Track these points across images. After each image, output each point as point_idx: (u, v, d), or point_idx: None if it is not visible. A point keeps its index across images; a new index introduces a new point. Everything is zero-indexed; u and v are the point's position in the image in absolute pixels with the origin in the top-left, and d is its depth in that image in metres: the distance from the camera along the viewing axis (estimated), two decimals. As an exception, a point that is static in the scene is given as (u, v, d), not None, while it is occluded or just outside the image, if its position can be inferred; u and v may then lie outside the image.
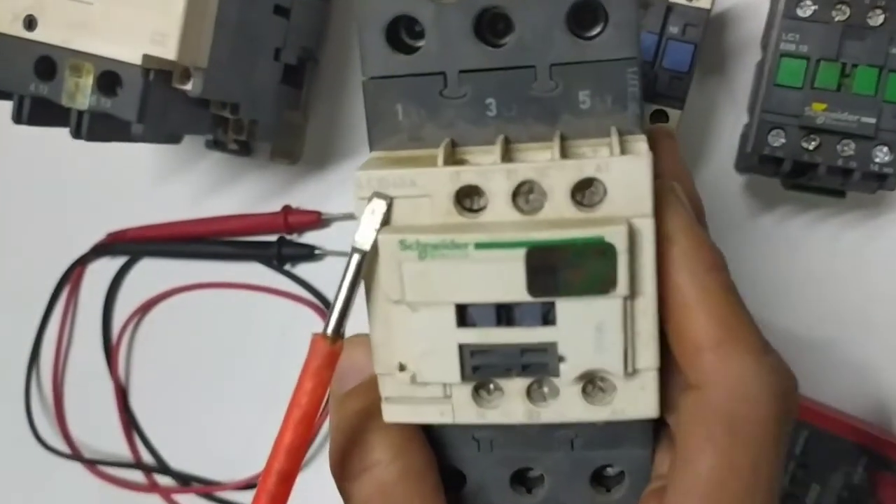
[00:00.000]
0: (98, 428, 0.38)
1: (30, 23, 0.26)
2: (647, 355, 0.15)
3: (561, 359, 0.15)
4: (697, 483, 0.15)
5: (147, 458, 0.38)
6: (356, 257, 0.15)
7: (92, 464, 0.38)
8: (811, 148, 0.27)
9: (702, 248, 0.15)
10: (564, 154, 0.15)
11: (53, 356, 0.38)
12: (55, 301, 0.38)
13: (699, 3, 0.27)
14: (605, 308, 0.15)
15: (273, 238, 0.35)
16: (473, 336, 0.15)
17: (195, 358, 0.37)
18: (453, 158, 0.16)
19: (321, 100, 0.34)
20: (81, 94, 0.26)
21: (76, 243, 0.37)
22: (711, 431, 0.15)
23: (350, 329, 0.16)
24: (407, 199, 0.15)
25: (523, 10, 0.15)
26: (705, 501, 0.14)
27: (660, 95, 0.27)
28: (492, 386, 0.16)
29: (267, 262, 0.35)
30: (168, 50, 0.25)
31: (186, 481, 0.37)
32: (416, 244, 0.15)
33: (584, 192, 0.15)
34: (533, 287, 0.14)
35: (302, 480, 0.16)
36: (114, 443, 0.38)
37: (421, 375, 0.16)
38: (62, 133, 0.27)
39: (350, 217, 0.34)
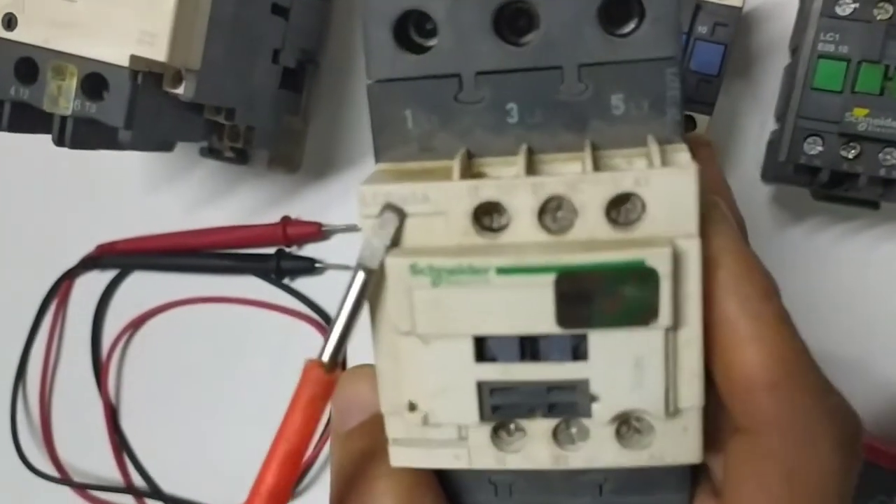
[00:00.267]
0: (87, 450, 0.37)
1: (9, 22, 0.25)
2: (691, 393, 0.13)
3: (593, 398, 0.13)
4: None
5: (138, 481, 0.37)
6: (361, 276, 0.13)
7: (81, 488, 0.37)
8: (851, 157, 0.25)
9: (752, 271, 0.14)
10: (597, 166, 0.13)
11: (40, 374, 0.37)
12: (42, 316, 0.37)
13: (730, 0, 0.25)
14: (645, 341, 0.13)
15: (271, 251, 0.34)
16: (494, 372, 0.14)
17: (189, 376, 0.36)
18: (470, 171, 0.14)
19: (322, 105, 0.34)
20: (64, 98, 0.25)
21: (64, 256, 0.36)
22: (766, 482, 0.13)
23: (354, 356, 0.15)
24: (418, 218, 0.14)
25: (549, 3, 0.13)
26: None
27: (687, 100, 0.25)
28: (513, 426, 0.14)
29: (264, 275, 0.34)
30: (158, 50, 0.24)
31: (179, 506, 0.36)
32: (428, 269, 0.13)
33: (620, 209, 0.13)
34: (563, 317, 0.13)
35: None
36: (103, 465, 0.37)
37: (434, 416, 0.14)
38: (45, 140, 0.26)
39: (353, 228, 0.33)
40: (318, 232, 0.34)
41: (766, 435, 0.13)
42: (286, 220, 0.34)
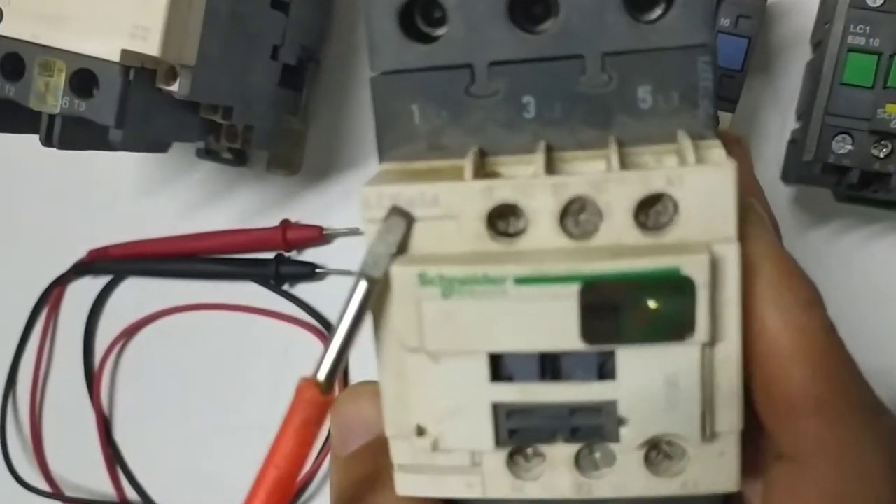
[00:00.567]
0: (79, 463, 0.36)
1: (-6, 15, 0.24)
2: (729, 415, 0.12)
3: (622, 421, 0.12)
4: None
5: (132, 496, 0.36)
6: (363, 286, 0.12)
7: (73, 503, 0.36)
8: (882, 155, 0.24)
9: (793, 279, 0.12)
10: (623, 164, 0.12)
11: (30, 385, 0.37)
12: (32, 325, 0.36)
13: (754, -9, 0.24)
14: (680, 358, 0.12)
15: (270, 255, 0.34)
16: (511, 393, 0.12)
17: (184, 387, 0.35)
18: (483, 170, 0.13)
19: (323, 104, 0.33)
20: (52, 95, 0.24)
21: (55, 262, 0.36)
22: None
23: (358, 370, 0.13)
24: (427, 222, 0.12)
25: None
26: None
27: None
28: (530, 451, 0.13)
29: (264, 281, 0.34)
30: (150, 45, 0.23)
31: (174, 522, 0.35)
32: (439, 278, 0.12)
33: (649, 211, 0.12)
34: (588, 332, 0.12)
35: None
36: (96, 479, 0.36)
37: (444, 441, 0.13)
38: (33, 140, 0.25)
39: (355, 232, 0.33)
40: (319, 236, 0.33)
41: (813, 462, 0.12)
42: (286, 224, 0.33)
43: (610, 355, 0.12)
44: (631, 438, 0.12)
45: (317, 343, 0.33)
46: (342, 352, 0.12)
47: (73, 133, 0.25)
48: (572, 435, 0.13)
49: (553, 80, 0.13)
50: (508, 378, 0.12)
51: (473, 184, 0.12)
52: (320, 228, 0.33)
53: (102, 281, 0.36)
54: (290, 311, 0.34)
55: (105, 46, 0.23)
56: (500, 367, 0.12)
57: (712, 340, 0.12)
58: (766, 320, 0.12)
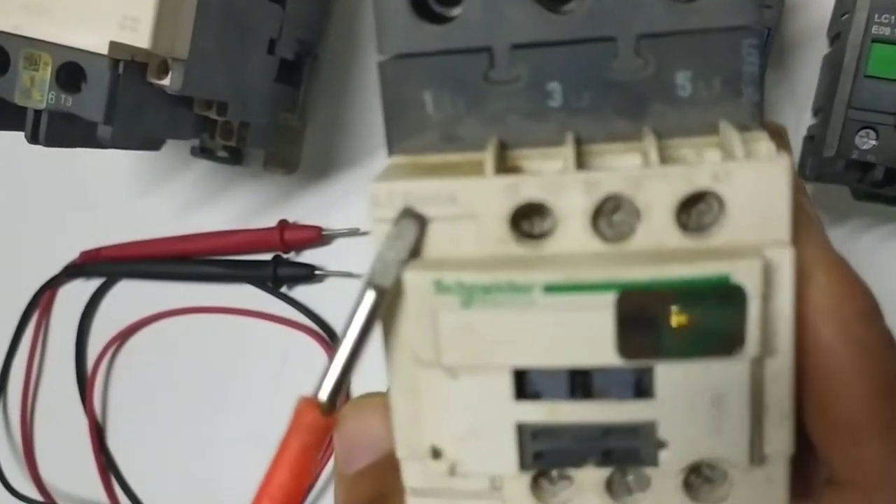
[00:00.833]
0: (72, 471, 0.36)
1: (-26, 6, 0.24)
2: (779, 437, 0.11)
3: (661, 444, 0.11)
4: None
5: None
6: (370, 297, 0.11)
7: None
8: None
9: (850, 286, 0.11)
10: (662, 158, 0.11)
11: (21, 390, 0.36)
12: (23, 329, 0.36)
13: (776, -20, 0.23)
14: (727, 374, 0.11)
15: (268, 257, 0.33)
16: (537, 412, 0.11)
17: (179, 392, 0.35)
18: (505, 165, 0.12)
19: (321, 100, 0.32)
20: (38, 90, 0.24)
21: (45, 264, 0.35)
22: None
23: (360, 376, 0.12)
24: (443, 223, 0.11)
25: None
26: None
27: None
28: (555, 473, 0.12)
29: (261, 283, 0.33)
30: (140, 37, 0.23)
31: (170, 532, 0.35)
32: (457, 286, 0.11)
33: (690, 210, 0.11)
34: (625, 346, 0.11)
35: None
36: (89, 487, 0.35)
37: (463, 465, 0.12)
38: (19, 137, 0.25)
39: (355, 233, 0.32)
40: (318, 236, 0.32)
41: (876, 492, 0.11)
42: (283, 224, 0.33)
43: (648, 371, 0.11)
44: (671, 463, 0.11)
45: (316, 347, 0.33)
46: (346, 369, 0.11)
47: (60, 130, 0.25)
48: (605, 458, 0.12)
49: (581, 65, 0.12)
50: (534, 396, 0.11)
51: (496, 180, 0.11)
52: (319, 229, 0.32)
53: (95, 283, 0.35)
54: (288, 314, 0.33)
55: (93, 38, 0.22)
56: (525, 384, 0.11)
57: (763, 355, 0.11)
58: (820, 333, 0.11)
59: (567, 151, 0.11)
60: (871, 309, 0.11)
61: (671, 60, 0.12)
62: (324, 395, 0.11)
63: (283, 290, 0.33)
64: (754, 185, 0.11)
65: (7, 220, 0.36)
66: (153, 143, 0.30)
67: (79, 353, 0.35)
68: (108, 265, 0.34)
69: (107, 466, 0.35)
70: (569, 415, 0.11)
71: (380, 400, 0.13)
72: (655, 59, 0.12)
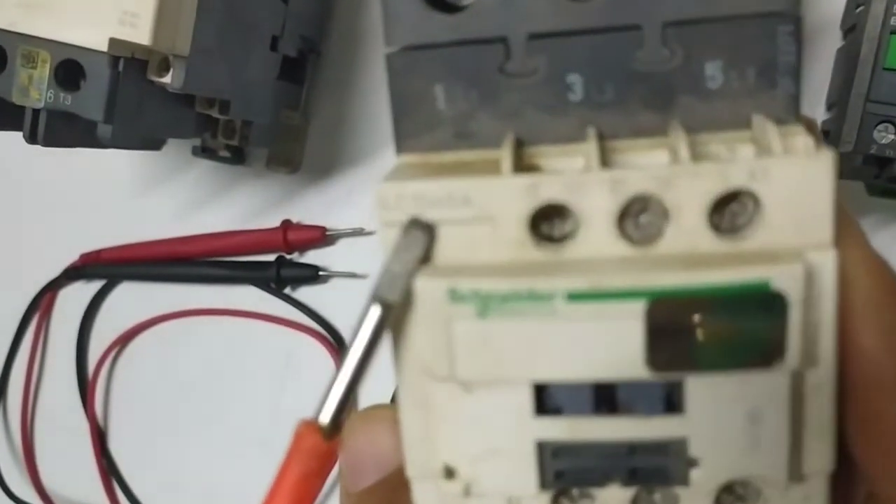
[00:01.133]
0: (73, 476, 0.35)
1: (-31, 3, 0.24)
2: (820, 454, 0.11)
3: (692, 462, 0.10)
4: None
5: None
6: (376, 312, 0.10)
7: None
8: None
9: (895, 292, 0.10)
10: (693, 154, 0.10)
11: (22, 394, 0.36)
12: (23, 333, 0.36)
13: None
14: (765, 387, 0.10)
15: (271, 258, 0.33)
16: (559, 429, 0.11)
17: (182, 396, 0.34)
18: (522, 163, 0.11)
19: (325, 98, 0.32)
20: (36, 88, 0.23)
21: (45, 266, 0.35)
22: None
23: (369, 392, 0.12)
24: (457, 226, 0.10)
25: None
26: None
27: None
28: (576, 492, 0.11)
29: (264, 285, 0.33)
30: (140, 33, 0.22)
31: (173, 537, 0.35)
32: (473, 294, 0.10)
33: (723, 210, 0.10)
34: (655, 358, 0.10)
35: None
36: (90, 493, 0.35)
37: (479, 485, 0.11)
38: (18, 138, 0.25)
39: (359, 233, 0.32)
40: (322, 237, 0.32)
41: None
42: (287, 225, 0.33)
43: (678, 385, 0.10)
44: (703, 482, 0.10)
45: (320, 349, 0.33)
46: (350, 389, 0.10)
47: (59, 129, 0.25)
48: (631, 477, 0.11)
49: (604, 55, 0.11)
50: (556, 411, 0.11)
51: (514, 180, 0.10)
52: (323, 229, 0.32)
53: (96, 286, 0.35)
54: (293, 315, 0.33)
55: (92, 35, 0.22)
56: (545, 399, 0.10)
57: (803, 366, 0.10)
58: (863, 343, 0.10)
59: (589, 148, 0.11)
60: None
61: (700, 49, 0.11)
62: (325, 417, 0.10)
63: (287, 291, 0.33)
64: (794, 182, 0.10)
65: (6, 222, 0.36)
66: (154, 143, 0.30)
67: (80, 357, 0.35)
68: (108, 267, 0.34)
69: (108, 471, 0.35)
70: (592, 431, 0.10)
71: (389, 412, 0.12)
72: (683, 48, 0.11)
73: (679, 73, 0.11)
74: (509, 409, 0.10)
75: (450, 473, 0.11)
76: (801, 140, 0.10)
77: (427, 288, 0.10)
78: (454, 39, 0.11)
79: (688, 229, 0.10)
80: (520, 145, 0.11)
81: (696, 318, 0.10)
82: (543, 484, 0.11)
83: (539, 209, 0.10)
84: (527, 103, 0.11)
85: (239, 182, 0.33)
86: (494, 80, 0.11)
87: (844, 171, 0.25)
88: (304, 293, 0.33)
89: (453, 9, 0.11)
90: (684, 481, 0.11)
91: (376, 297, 0.10)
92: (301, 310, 0.32)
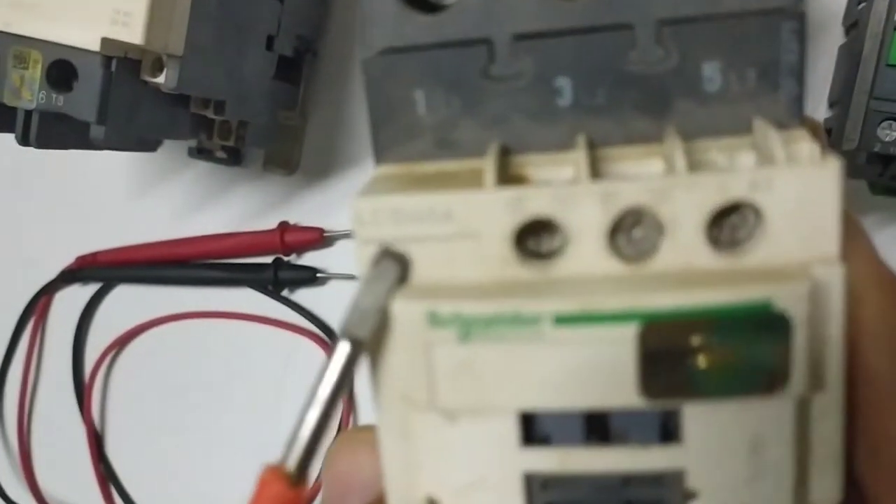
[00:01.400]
0: (70, 480, 0.35)
1: (-40, 3, 0.24)
2: (827, 484, 0.10)
3: (690, 495, 0.10)
4: None
5: None
6: (344, 349, 0.10)
7: None
8: None
9: None
10: (690, 163, 0.10)
11: (18, 399, 0.36)
12: (19, 336, 0.35)
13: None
14: (768, 415, 0.09)
15: (268, 260, 0.33)
16: (547, 460, 0.10)
17: (179, 399, 0.34)
18: (508, 174, 0.10)
19: (322, 98, 0.32)
20: (28, 89, 0.23)
21: (41, 269, 0.35)
22: None
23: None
24: (437, 243, 0.10)
25: None
26: None
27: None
28: None
29: (261, 287, 0.33)
30: (133, 32, 0.22)
31: (171, 543, 0.35)
32: (454, 318, 0.09)
33: (722, 223, 0.10)
34: (649, 385, 0.09)
35: None
36: (88, 497, 0.35)
37: None
38: (9, 139, 0.25)
39: None
40: (320, 238, 0.32)
41: None
42: (284, 226, 0.32)
43: (675, 413, 0.10)
44: None
45: (318, 351, 0.32)
46: (318, 432, 0.10)
47: (51, 130, 0.24)
48: None
49: (594, 57, 0.10)
50: (544, 441, 0.10)
51: (497, 193, 0.10)
52: (321, 230, 0.32)
53: (92, 289, 0.35)
54: (290, 318, 0.32)
55: (84, 34, 0.22)
56: (533, 428, 0.10)
57: (809, 392, 0.09)
58: (874, 364, 0.10)
59: (579, 157, 0.10)
60: None
61: (697, 50, 0.10)
62: (292, 462, 0.10)
63: (285, 293, 0.33)
64: (798, 193, 0.09)
65: (1, 226, 0.36)
66: (149, 144, 0.30)
67: (76, 360, 0.35)
68: (104, 270, 0.34)
69: (106, 475, 0.35)
70: (583, 463, 0.10)
71: (372, 436, 0.11)
72: (679, 48, 0.10)
73: (674, 76, 0.10)
74: (494, 439, 0.10)
75: (432, 505, 0.10)
76: (806, 147, 0.10)
77: (405, 311, 0.10)
78: (435, 41, 0.10)
79: (684, 244, 0.09)
80: (505, 154, 0.11)
81: (694, 341, 0.09)
82: None
83: (525, 224, 0.10)
84: (512, 109, 0.11)
85: (236, 183, 0.33)
86: (478, 85, 0.10)
87: (847, 170, 0.24)
88: (302, 295, 0.33)
89: (434, 8, 0.11)
90: None
91: (345, 334, 0.10)
92: (299, 312, 0.32)
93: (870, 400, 0.10)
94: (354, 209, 0.10)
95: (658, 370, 0.09)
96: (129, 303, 0.34)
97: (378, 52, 0.11)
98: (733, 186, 0.09)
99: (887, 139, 0.22)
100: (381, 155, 0.11)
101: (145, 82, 0.24)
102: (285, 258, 0.32)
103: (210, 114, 0.27)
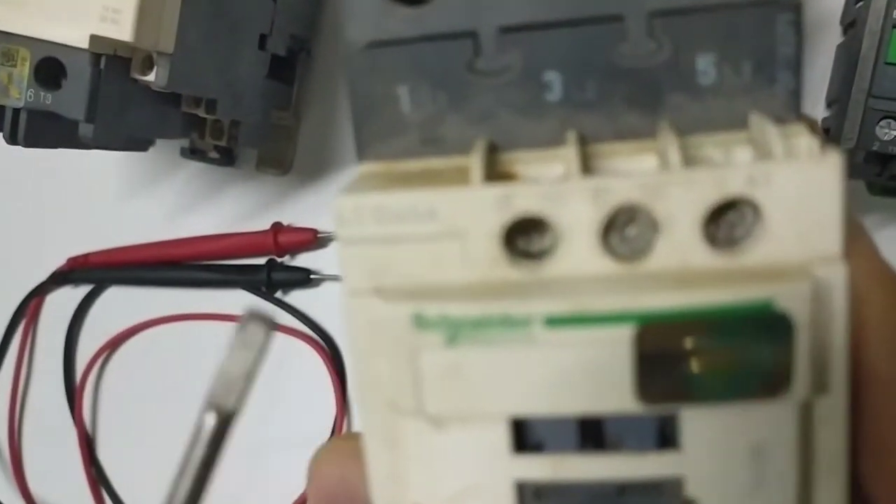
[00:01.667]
0: (61, 484, 0.35)
1: (-54, 0, 0.24)
2: (831, 492, 0.10)
3: (689, 503, 0.09)
4: None
5: None
6: (211, 421, 0.10)
7: None
8: None
9: None
10: (685, 159, 0.09)
11: (9, 402, 0.35)
12: (9, 339, 0.35)
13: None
14: (770, 419, 0.09)
15: (262, 261, 0.33)
16: (540, 468, 0.10)
17: (171, 402, 0.34)
18: (496, 171, 0.10)
19: (315, 98, 0.32)
20: (16, 87, 0.23)
21: (31, 271, 0.35)
22: None
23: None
24: (422, 243, 0.10)
25: None
26: None
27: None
28: None
29: (255, 288, 0.33)
30: (122, 29, 0.22)
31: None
32: (441, 320, 0.09)
33: (719, 221, 0.09)
34: (645, 390, 0.09)
35: None
36: (79, 500, 0.35)
37: None
38: None
39: None
40: (313, 239, 0.32)
41: None
42: (277, 227, 0.32)
43: (673, 418, 0.09)
44: None
45: (312, 353, 0.32)
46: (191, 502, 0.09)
47: (40, 129, 0.24)
48: None
49: (584, 50, 0.10)
50: (536, 447, 0.10)
51: (485, 190, 0.09)
52: (314, 231, 0.32)
53: (83, 291, 0.35)
54: (284, 320, 0.32)
55: (72, 31, 0.22)
56: (525, 435, 0.10)
57: (812, 395, 0.09)
58: (879, 366, 0.09)
59: (569, 153, 0.10)
60: None
61: (691, 42, 0.10)
62: None
63: (278, 294, 0.32)
64: (798, 188, 0.09)
65: None
66: (139, 144, 0.30)
67: (67, 363, 0.35)
68: (96, 271, 0.34)
69: (97, 479, 0.34)
70: (577, 470, 0.10)
71: (358, 444, 0.11)
72: (672, 40, 0.10)
73: (667, 69, 0.10)
74: (485, 447, 0.09)
75: (420, 515, 0.10)
76: (805, 141, 0.09)
77: (389, 313, 0.09)
78: (419, 34, 0.10)
79: (680, 243, 0.09)
80: (493, 151, 0.10)
81: (691, 343, 0.09)
82: None
83: (514, 222, 0.09)
84: (500, 104, 0.10)
85: (228, 184, 0.33)
86: (464, 80, 0.10)
87: (846, 169, 0.24)
88: (296, 297, 0.32)
89: (417, 1, 0.10)
90: None
91: (212, 405, 0.09)
92: (292, 314, 0.32)
93: (875, 403, 0.09)
94: (336, 208, 0.09)
95: (655, 373, 0.09)
96: (120, 304, 0.34)
97: (360, 47, 0.10)
98: (730, 182, 0.09)
99: (885, 138, 0.23)
100: (364, 152, 0.11)
101: (135, 80, 0.23)
102: (279, 259, 0.32)
103: (202, 113, 0.26)
